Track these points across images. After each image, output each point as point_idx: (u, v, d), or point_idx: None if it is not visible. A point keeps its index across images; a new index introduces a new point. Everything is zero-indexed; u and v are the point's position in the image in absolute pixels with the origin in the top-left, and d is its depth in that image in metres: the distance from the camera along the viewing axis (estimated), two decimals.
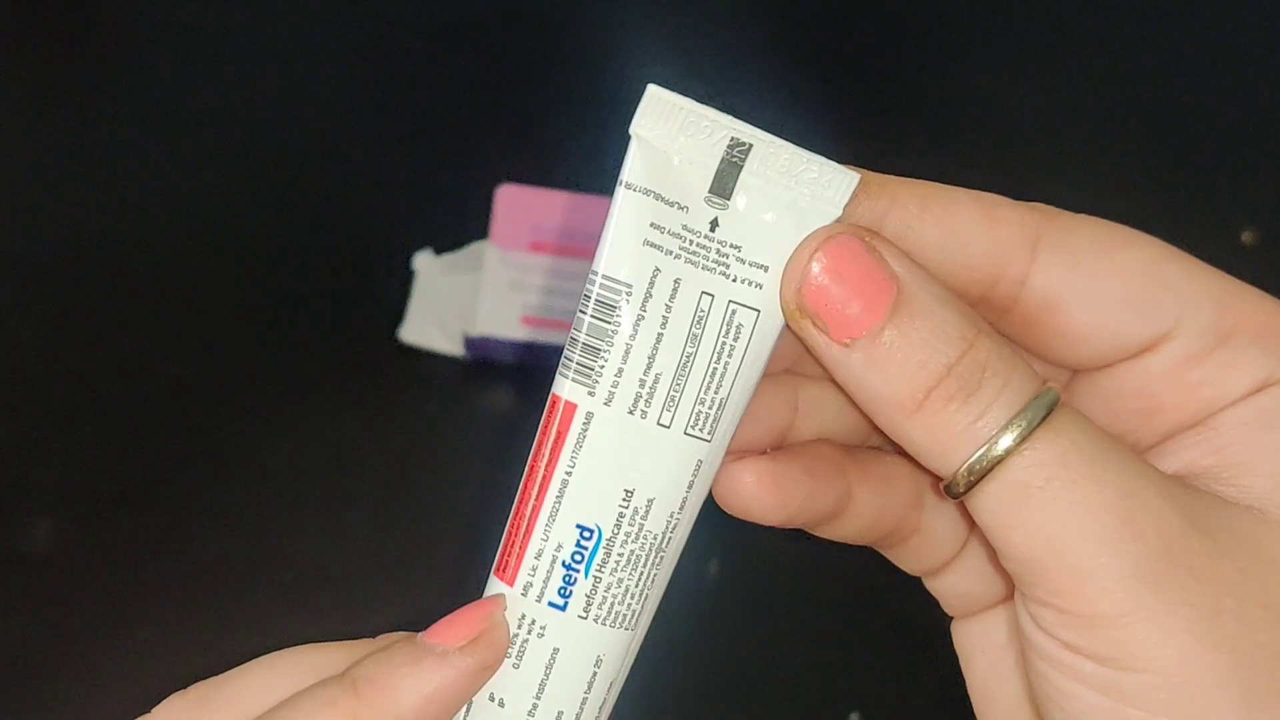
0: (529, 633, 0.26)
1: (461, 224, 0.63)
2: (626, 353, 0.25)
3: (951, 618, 0.31)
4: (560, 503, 0.26)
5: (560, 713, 0.27)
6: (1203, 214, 0.67)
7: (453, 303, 0.62)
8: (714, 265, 0.25)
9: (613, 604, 0.26)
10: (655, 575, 0.27)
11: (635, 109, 0.25)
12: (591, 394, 0.25)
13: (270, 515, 0.57)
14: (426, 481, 0.59)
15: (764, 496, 0.27)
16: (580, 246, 0.61)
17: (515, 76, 0.71)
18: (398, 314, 0.62)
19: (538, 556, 0.26)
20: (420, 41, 0.72)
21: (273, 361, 0.62)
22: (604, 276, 0.25)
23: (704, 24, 0.72)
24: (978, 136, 0.70)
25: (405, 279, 0.63)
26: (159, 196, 0.66)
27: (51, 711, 0.51)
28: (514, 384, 0.62)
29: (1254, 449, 0.24)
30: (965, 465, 0.23)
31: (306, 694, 0.26)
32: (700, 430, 0.26)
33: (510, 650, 0.26)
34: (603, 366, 0.25)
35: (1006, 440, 0.23)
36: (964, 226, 0.25)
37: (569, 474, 0.26)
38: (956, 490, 0.24)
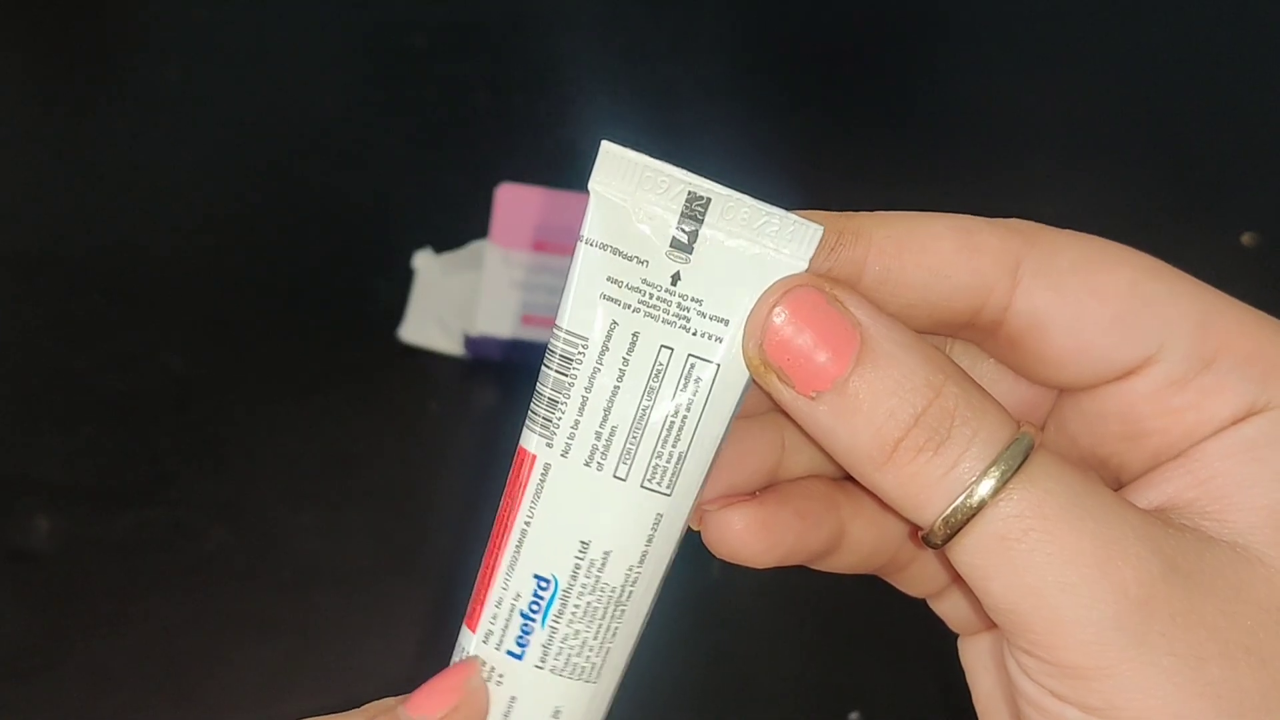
0: (488, 680, 0.27)
1: (461, 223, 0.63)
2: (583, 405, 0.25)
3: (957, 635, 0.31)
4: (519, 552, 0.26)
5: None
6: (1203, 216, 0.67)
7: (453, 302, 0.62)
8: (674, 319, 0.25)
9: (570, 655, 0.26)
10: (616, 629, 0.26)
11: (592, 165, 0.25)
12: (550, 445, 0.25)
13: (270, 513, 0.57)
14: (426, 480, 0.59)
15: (752, 541, 0.27)
16: None
17: (516, 76, 0.71)
18: (398, 313, 0.62)
19: (498, 605, 0.26)
20: (421, 41, 0.72)
21: (273, 360, 0.62)
22: (565, 331, 0.25)
23: (706, 25, 0.73)
24: (977, 139, 0.70)
25: (405, 278, 0.63)
26: (160, 194, 0.66)
27: (51, 709, 0.51)
28: (514, 383, 0.62)
29: (1237, 482, 0.24)
30: (941, 518, 0.23)
31: None
32: (658, 484, 0.25)
33: None
34: (560, 418, 0.25)
35: (982, 491, 0.23)
36: (944, 262, 0.25)
37: (528, 524, 0.26)
38: (934, 542, 0.24)
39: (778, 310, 0.24)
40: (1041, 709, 0.24)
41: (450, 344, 0.62)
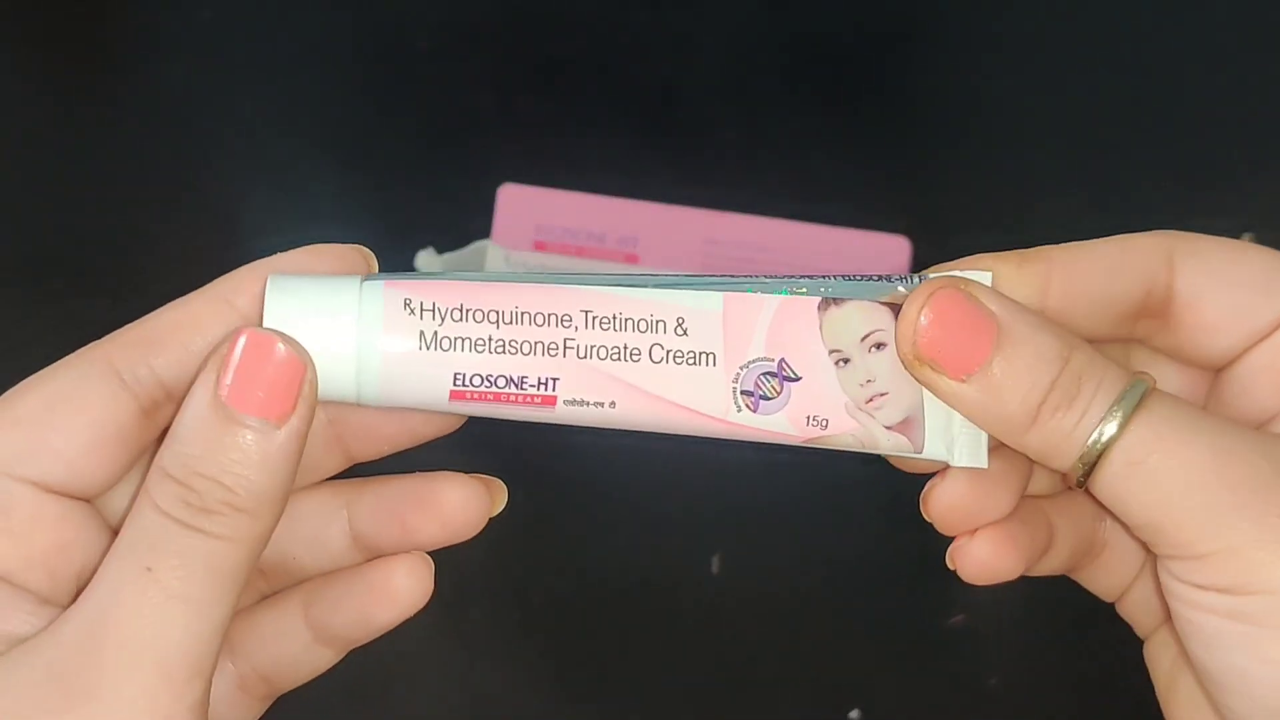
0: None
1: (463, 223, 0.63)
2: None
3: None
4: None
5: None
6: (1203, 216, 0.66)
7: None
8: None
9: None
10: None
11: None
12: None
13: None
14: None
15: (1006, 558, 0.31)
16: (582, 246, 0.61)
17: (518, 76, 0.71)
18: None
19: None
20: (424, 41, 0.72)
21: None
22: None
23: (707, 24, 0.73)
24: (977, 139, 0.70)
25: None
26: (160, 193, 0.66)
27: None
28: None
29: None
30: (1078, 459, 0.28)
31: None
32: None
33: None
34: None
35: (1108, 431, 0.27)
36: (1112, 262, 0.29)
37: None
38: (1077, 480, 0.28)
39: (925, 312, 0.28)
40: (1189, 603, 0.28)
41: None
